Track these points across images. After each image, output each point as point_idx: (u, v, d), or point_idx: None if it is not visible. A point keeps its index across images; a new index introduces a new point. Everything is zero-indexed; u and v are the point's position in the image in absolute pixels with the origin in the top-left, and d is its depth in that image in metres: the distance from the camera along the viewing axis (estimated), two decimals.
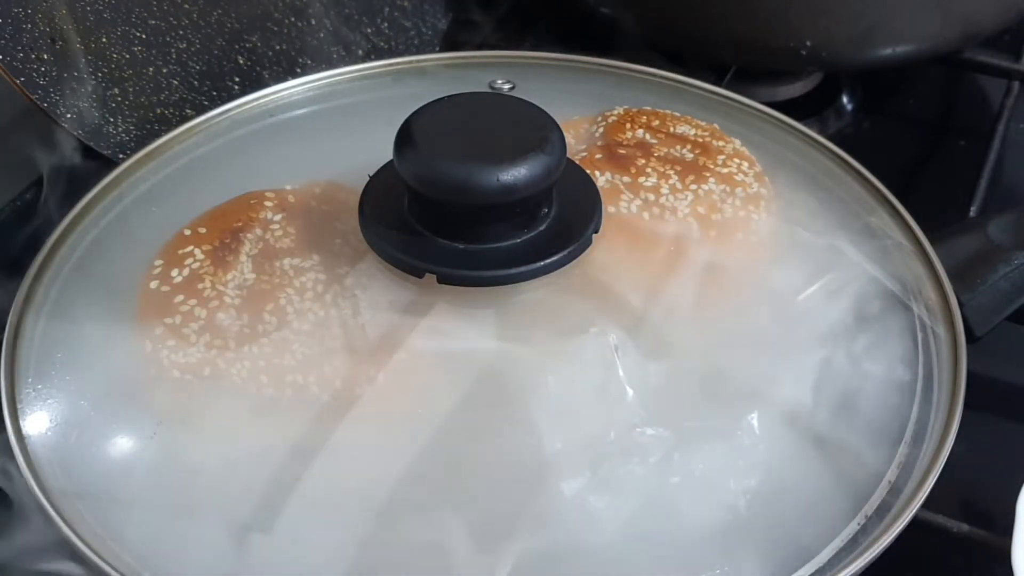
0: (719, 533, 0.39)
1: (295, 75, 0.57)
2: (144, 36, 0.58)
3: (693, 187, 0.47)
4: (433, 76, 0.55)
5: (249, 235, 0.45)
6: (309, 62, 0.62)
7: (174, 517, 0.39)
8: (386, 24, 0.66)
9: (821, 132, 0.54)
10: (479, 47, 0.69)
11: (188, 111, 0.58)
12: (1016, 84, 0.68)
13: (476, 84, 0.53)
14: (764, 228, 0.47)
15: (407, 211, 0.43)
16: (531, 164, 0.41)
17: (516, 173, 0.40)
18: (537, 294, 0.42)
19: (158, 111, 0.58)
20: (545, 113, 0.43)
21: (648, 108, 0.51)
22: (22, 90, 0.52)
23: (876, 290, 0.46)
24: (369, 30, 0.65)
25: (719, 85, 0.56)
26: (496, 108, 0.45)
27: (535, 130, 0.42)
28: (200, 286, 0.43)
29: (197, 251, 0.44)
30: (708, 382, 0.42)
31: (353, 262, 0.43)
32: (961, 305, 0.45)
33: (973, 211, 0.59)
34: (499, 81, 0.53)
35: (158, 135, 0.52)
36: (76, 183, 0.50)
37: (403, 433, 0.40)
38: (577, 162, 0.47)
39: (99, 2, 0.56)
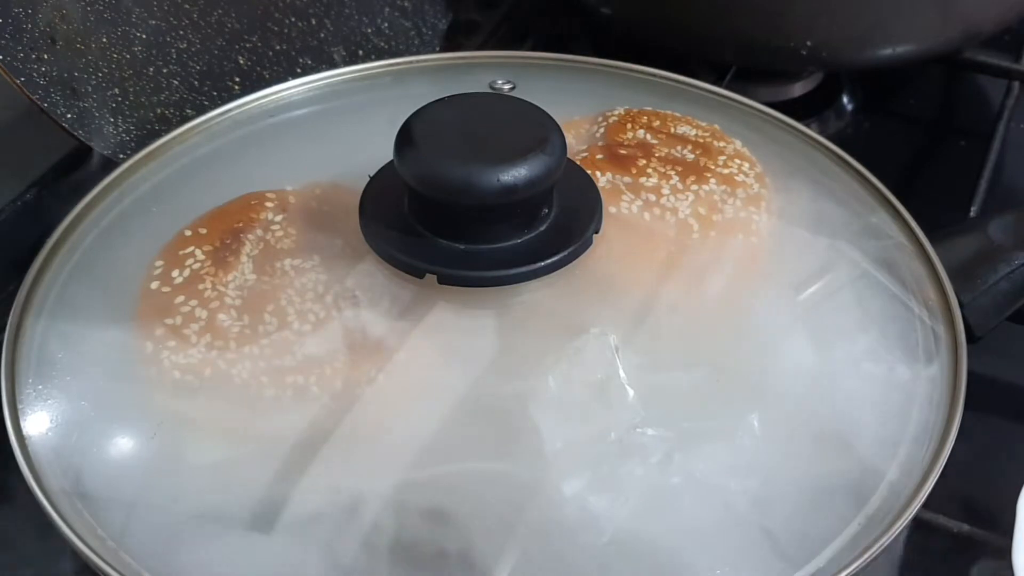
0: (719, 533, 0.39)
1: (295, 75, 0.57)
2: (144, 36, 0.58)
3: (694, 187, 0.47)
4: (433, 76, 0.55)
5: (250, 236, 0.45)
6: (309, 62, 0.62)
7: (174, 517, 0.39)
8: (386, 24, 0.66)
9: (821, 132, 0.54)
10: (479, 47, 0.70)
11: (188, 111, 0.58)
12: (1016, 84, 0.68)
13: (476, 84, 0.53)
14: (764, 228, 0.47)
15: (407, 211, 0.43)
16: (531, 164, 0.41)
17: (516, 173, 0.40)
18: (537, 295, 0.42)
19: (158, 111, 0.58)
20: (545, 113, 0.43)
21: (648, 108, 0.51)
22: (22, 90, 0.52)
23: (876, 290, 0.46)
24: (369, 30, 0.65)
25: (719, 85, 0.57)
26: (496, 108, 0.45)
27: (535, 130, 0.42)
28: (201, 287, 0.43)
29: (198, 251, 0.44)
30: (708, 382, 0.42)
31: (354, 263, 0.43)
32: (961, 305, 0.45)
33: (973, 211, 0.59)
34: (499, 81, 0.53)
35: (158, 135, 0.52)
36: (76, 183, 0.50)
37: (403, 434, 0.40)
38: (578, 162, 0.47)
39: (99, 2, 0.56)
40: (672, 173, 0.47)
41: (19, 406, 0.42)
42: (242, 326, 0.42)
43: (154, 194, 0.50)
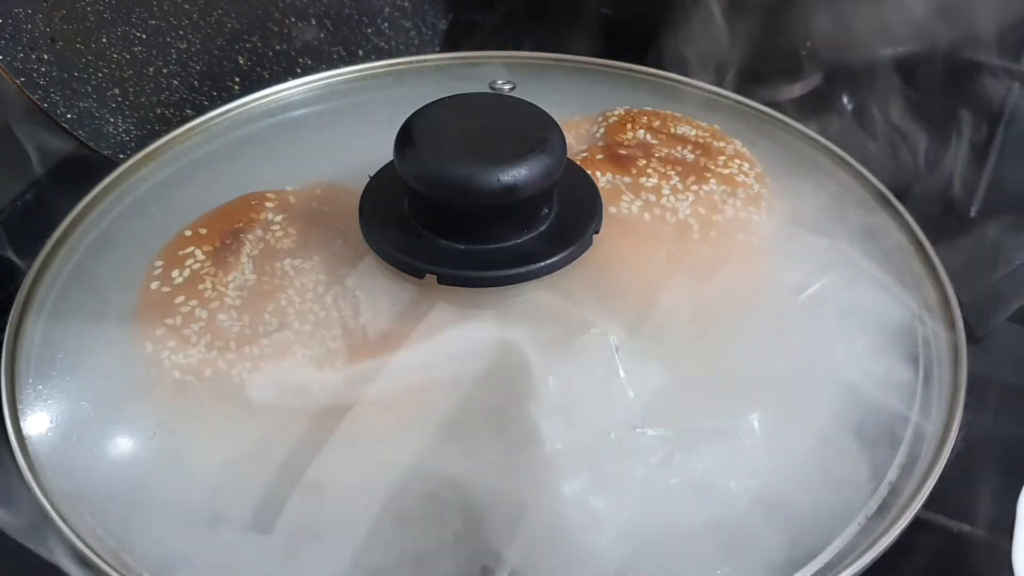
0: (719, 534, 0.39)
1: (295, 75, 0.57)
2: (144, 36, 0.58)
3: (694, 188, 0.47)
4: (433, 76, 0.55)
5: (250, 236, 0.45)
6: (309, 62, 0.63)
7: (174, 517, 0.39)
8: (386, 24, 0.66)
9: (821, 132, 0.54)
10: (479, 47, 0.69)
11: (188, 111, 0.59)
12: (1016, 84, 0.68)
13: (476, 84, 0.53)
14: (764, 229, 0.47)
15: (407, 211, 0.43)
16: (532, 164, 0.41)
17: (517, 173, 0.40)
18: (538, 295, 0.42)
19: (158, 111, 0.58)
20: (545, 113, 0.43)
21: (648, 108, 0.51)
22: (22, 90, 0.53)
23: (876, 290, 0.46)
24: (369, 30, 0.65)
25: (719, 85, 0.57)
26: (496, 108, 0.45)
27: (535, 130, 0.42)
28: (201, 287, 0.43)
29: (198, 252, 0.44)
30: (708, 382, 0.42)
31: (353, 263, 0.43)
32: (961, 305, 0.46)
33: (973, 211, 0.59)
34: (499, 81, 0.53)
35: (158, 135, 0.52)
36: (76, 183, 0.50)
37: (403, 434, 0.40)
38: (578, 162, 0.47)
39: (99, 2, 0.56)
40: (672, 173, 0.47)
41: (19, 406, 0.42)
42: (242, 326, 0.42)
43: (154, 194, 0.50)
